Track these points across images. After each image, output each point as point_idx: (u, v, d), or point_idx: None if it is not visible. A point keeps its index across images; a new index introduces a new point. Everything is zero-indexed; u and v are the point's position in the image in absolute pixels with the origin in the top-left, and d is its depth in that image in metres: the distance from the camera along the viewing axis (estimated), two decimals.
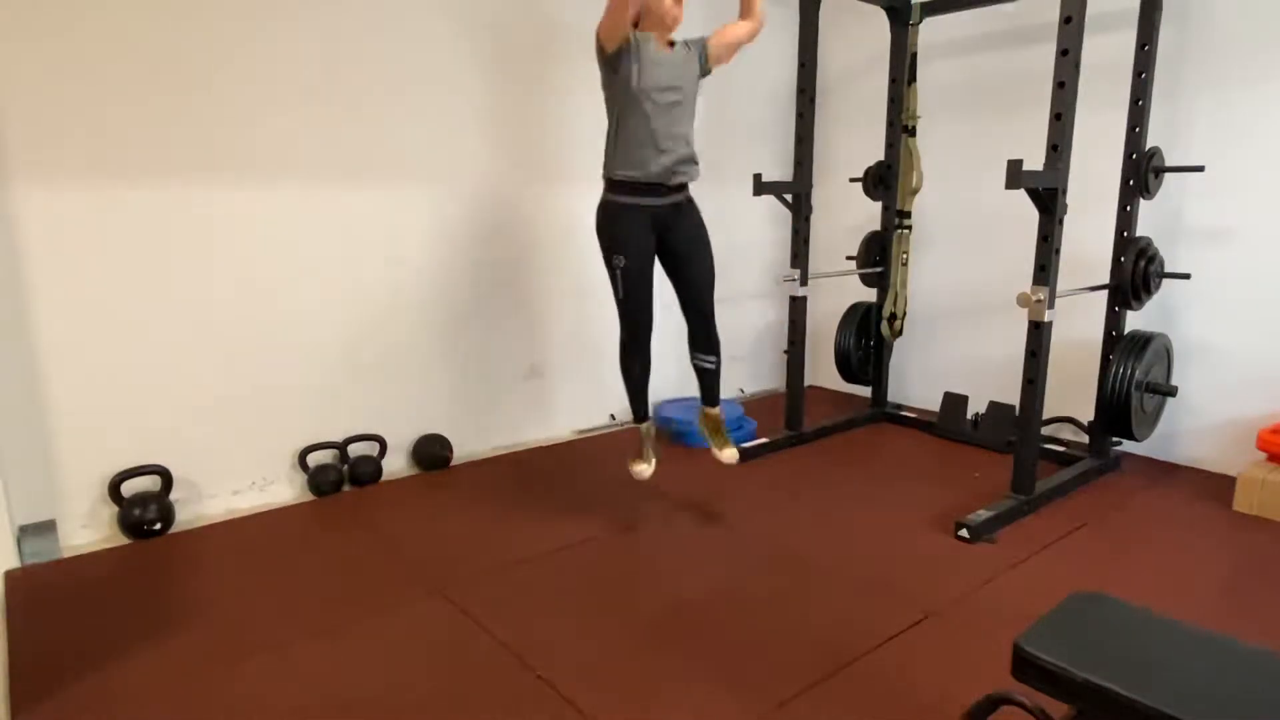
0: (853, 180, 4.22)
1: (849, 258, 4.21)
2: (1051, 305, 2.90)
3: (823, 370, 4.89)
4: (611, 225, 2.69)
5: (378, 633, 2.23)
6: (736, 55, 2.76)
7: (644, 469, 2.93)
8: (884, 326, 4.17)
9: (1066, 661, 1.30)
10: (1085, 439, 3.65)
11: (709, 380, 2.95)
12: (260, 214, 3.00)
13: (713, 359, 2.91)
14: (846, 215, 4.58)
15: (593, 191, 3.85)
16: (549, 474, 3.49)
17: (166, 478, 2.88)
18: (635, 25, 2.59)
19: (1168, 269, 3.38)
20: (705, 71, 2.73)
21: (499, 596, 2.43)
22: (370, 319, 3.33)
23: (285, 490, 3.21)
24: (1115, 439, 3.51)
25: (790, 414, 3.93)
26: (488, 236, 3.61)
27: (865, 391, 4.50)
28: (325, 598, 2.42)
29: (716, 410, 2.97)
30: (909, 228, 4.04)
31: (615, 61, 2.56)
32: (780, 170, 4.52)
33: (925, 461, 3.68)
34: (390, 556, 2.69)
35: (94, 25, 2.60)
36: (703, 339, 2.89)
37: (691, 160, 2.70)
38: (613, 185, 2.67)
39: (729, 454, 2.91)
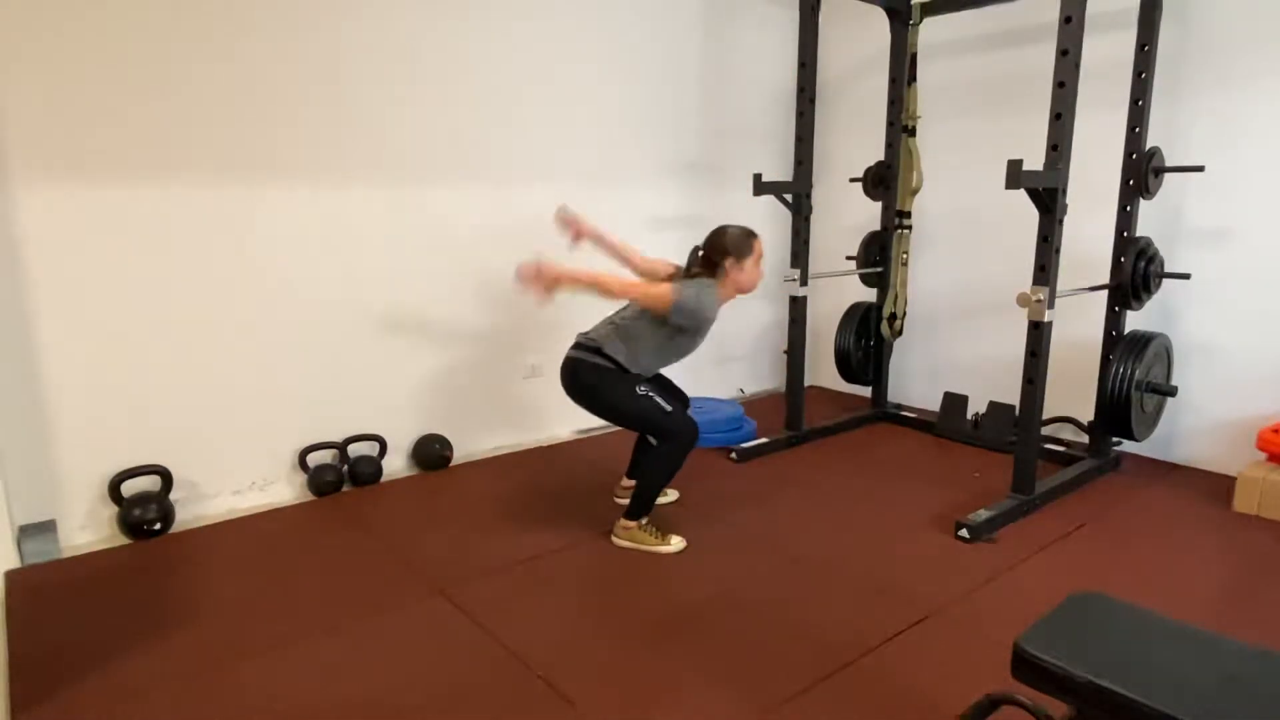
0: (853, 180, 4.22)
1: (849, 258, 4.21)
2: (1051, 305, 2.90)
3: (823, 370, 4.89)
4: (620, 374, 2.70)
5: (378, 633, 2.23)
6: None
7: (677, 539, 2.79)
8: (884, 326, 4.17)
9: (1066, 661, 1.30)
10: (1085, 439, 3.65)
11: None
12: (261, 214, 3.00)
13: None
14: (846, 215, 4.58)
15: (594, 194, 3.89)
16: (549, 474, 3.49)
17: (166, 478, 2.88)
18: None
19: (1168, 269, 3.38)
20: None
21: (499, 596, 2.43)
22: (370, 319, 3.33)
23: (285, 490, 3.21)
24: (1115, 439, 3.51)
25: (790, 414, 3.93)
26: (488, 237, 3.60)
27: (865, 391, 4.50)
28: (325, 598, 2.42)
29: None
30: (909, 228, 4.04)
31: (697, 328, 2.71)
32: (780, 170, 4.52)
33: (925, 461, 3.68)
34: (390, 556, 2.69)
35: (95, 24, 2.60)
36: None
37: None
38: (614, 363, 2.70)
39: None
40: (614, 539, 2.79)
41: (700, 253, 2.79)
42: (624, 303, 2.83)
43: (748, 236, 2.74)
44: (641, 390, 2.69)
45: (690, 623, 2.29)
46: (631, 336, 2.70)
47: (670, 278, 2.82)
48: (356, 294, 3.27)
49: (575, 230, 2.98)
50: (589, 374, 2.70)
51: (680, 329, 2.68)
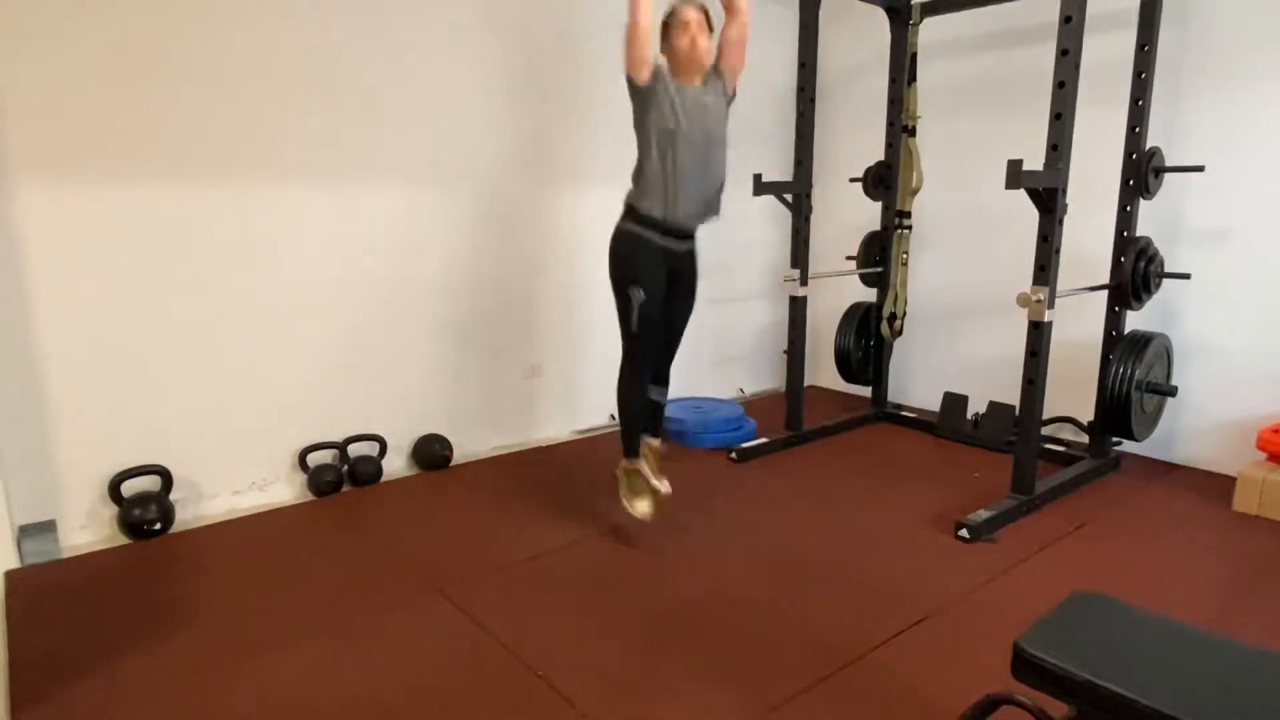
0: (853, 180, 4.22)
1: (849, 258, 4.21)
2: (1051, 305, 2.90)
3: (823, 370, 4.89)
4: (632, 256, 2.64)
5: (378, 633, 2.23)
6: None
7: (644, 506, 2.79)
8: (884, 326, 4.17)
9: (1066, 661, 1.30)
10: (1085, 439, 3.65)
11: (659, 414, 2.97)
12: (260, 214, 3.00)
13: (665, 393, 2.93)
14: (846, 215, 4.58)
15: (593, 194, 3.89)
16: (549, 474, 3.49)
17: (166, 478, 2.88)
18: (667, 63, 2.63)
19: (1168, 269, 3.38)
20: (731, 97, 2.74)
21: (499, 596, 2.43)
22: (370, 319, 3.32)
23: (285, 490, 3.21)
24: (1115, 439, 3.51)
25: (790, 414, 3.93)
26: (488, 237, 3.60)
27: (865, 391, 4.50)
28: (325, 598, 2.42)
29: (658, 442, 2.97)
30: (909, 228, 4.04)
31: (647, 98, 2.58)
32: (780, 170, 4.52)
33: (925, 461, 3.68)
34: (390, 556, 2.69)
35: (95, 24, 2.60)
36: (664, 375, 2.94)
37: (716, 207, 2.75)
38: (637, 217, 2.63)
39: (663, 485, 2.89)
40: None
41: None
42: None
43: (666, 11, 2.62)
44: (634, 294, 2.62)
45: (690, 622, 2.29)
46: (637, 172, 2.65)
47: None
48: (356, 293, 3.27)
49: None
50: (612, 241, 2.68)
51: (639, 120, 2.61)
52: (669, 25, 2.65)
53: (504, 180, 3.62)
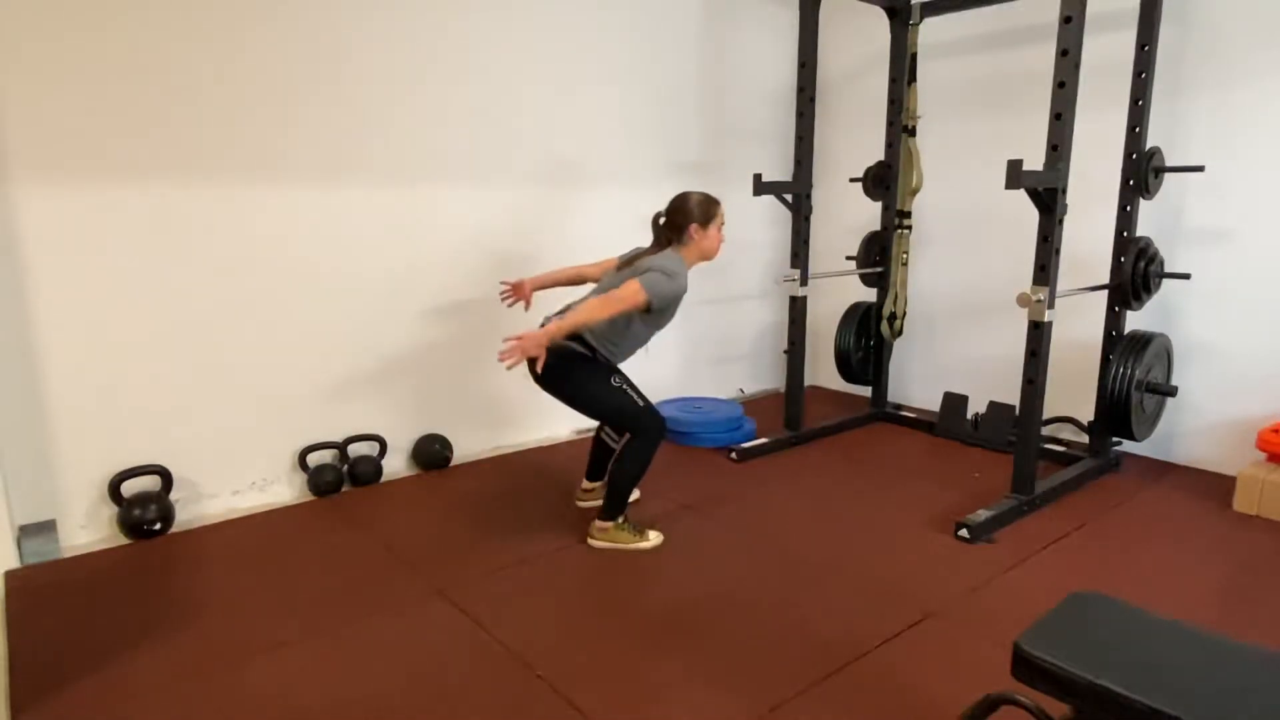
0: (853, 180, 4.22)
1: (849, 258, 4.21)
2: (1051, 305, 2.90)
3: (823, 370, 4.89)
4: (599, 367, 2.68)
5: (378, 633, 2.23)
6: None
7: (653, 533, 2.81)
8: (884, 326, 4.17)
9: (1066, 661, 1.30)
10: (1085, 439, 3.65)
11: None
12: (260, 214, 3.00)
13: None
14: (846, 215, 4.58)
15: (593, 193, 3.89)
16: (549, 474, 3.49)
17: (166, 478, 2.88)
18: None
19: (1168, 269, 3.38)
20: None
21: (499, 596, 2.43)
22: (370, 319, 3.32)
23: (285, 490, 3.21)
24: (1115, 439, 3.51)
25: (790, 414, 3.93)
26: (489, 236, 3.60)
27: (865, 391, 4.50)
28: (325, 598, 2.42)
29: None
30: (909, 228, 4.04)
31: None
32: (780, 170, 4.52)
33: (925, 461, 3.68)
34: (390, 556, 2.69)
35: (95, 23, 2.60)
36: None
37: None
38: (595, 351, 2.68)
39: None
40: (591, 541, 2.78)
41: (663, 220, 2.76)
42: (588, 288, 2.84)
43: (711, 201, 2.72)
44: (616, 382, 2.68)
45: (690, 623, 2.29)
46: (611, 324, 2.62)
47: (622, 265, 2.79)
48: (356, 294, 3.27)
49: (518, 295, 2.99)
50: (562, 362, 2.57)
51: (660, 311, 2.65)
52: (715, 218, 2.74)
53: (506, 180, 3.61)
